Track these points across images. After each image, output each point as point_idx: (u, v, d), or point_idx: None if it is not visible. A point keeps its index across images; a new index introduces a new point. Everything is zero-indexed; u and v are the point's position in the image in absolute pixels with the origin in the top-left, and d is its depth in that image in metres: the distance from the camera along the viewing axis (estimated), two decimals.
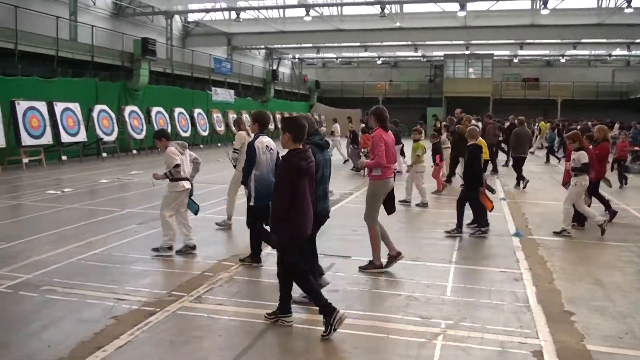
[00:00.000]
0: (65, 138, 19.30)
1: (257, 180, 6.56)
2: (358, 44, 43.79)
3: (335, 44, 45.01)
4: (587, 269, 7.00)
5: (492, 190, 9.66)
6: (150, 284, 6.12)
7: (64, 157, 19.28)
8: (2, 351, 4.49)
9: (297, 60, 56.13)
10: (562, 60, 49.07)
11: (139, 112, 23.97)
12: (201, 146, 27.84)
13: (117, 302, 5.52)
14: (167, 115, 26.04)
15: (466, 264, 7.17)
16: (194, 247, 7.42)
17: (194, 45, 37.58)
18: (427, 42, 42.90)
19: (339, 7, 36.47)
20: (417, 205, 11.47)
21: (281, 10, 37.22)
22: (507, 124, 20.64)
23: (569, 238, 8.64)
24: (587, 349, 4.62)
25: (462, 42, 41.82)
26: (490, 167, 14.09)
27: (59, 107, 19.31)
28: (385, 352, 4.55)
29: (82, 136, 19.92)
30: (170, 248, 7.33)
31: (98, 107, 21.59)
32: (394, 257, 6.69)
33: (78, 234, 8.22)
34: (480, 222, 8.73)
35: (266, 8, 35.46)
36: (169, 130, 23.40)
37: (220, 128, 30.71)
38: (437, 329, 4.94)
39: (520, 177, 14.31)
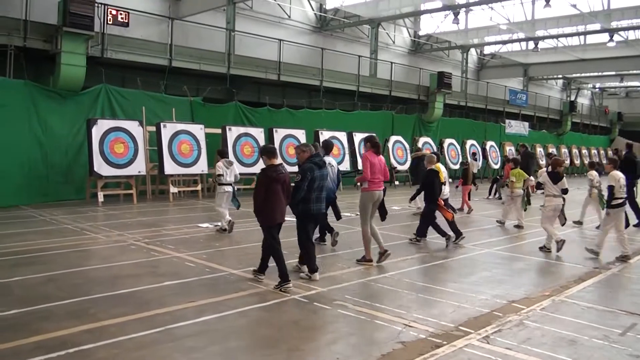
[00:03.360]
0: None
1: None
2: None
3: None
4: None
5: (454, 210, 11.32)
6: (438, 314, 6.00)
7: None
8: (295, 354, 4.83)
9: (597, 90, 51.66)
10: None
11: (432, 143, 24.61)
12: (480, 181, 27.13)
13: (405, 327, 5.52)
14: (458, 147, 26.21)
15: None
16: (224, 229, 10.66)
17: (489, 77, 37.24)
18: None
19: None
20: (515, 226, 12.48)
21: (581, 37, 34.70)
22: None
23: None
24: None
25: None
26: None
27: (357, 137, 20.88)
28: None
29: None
30: (224, 230, 10.62)
31: (393, 138, 22.84)
32: (382, 254, 8.24)
33: (357, 255, 8.55)
34: (419, 232, 10.18)
35: (566, 36, 33.32)
36: (460, 160, 23.95)
37: None
38: None
39: None
